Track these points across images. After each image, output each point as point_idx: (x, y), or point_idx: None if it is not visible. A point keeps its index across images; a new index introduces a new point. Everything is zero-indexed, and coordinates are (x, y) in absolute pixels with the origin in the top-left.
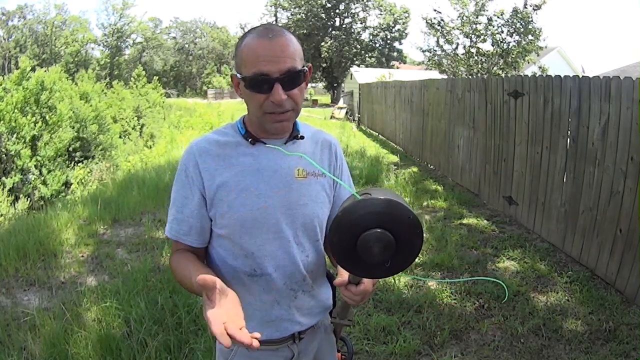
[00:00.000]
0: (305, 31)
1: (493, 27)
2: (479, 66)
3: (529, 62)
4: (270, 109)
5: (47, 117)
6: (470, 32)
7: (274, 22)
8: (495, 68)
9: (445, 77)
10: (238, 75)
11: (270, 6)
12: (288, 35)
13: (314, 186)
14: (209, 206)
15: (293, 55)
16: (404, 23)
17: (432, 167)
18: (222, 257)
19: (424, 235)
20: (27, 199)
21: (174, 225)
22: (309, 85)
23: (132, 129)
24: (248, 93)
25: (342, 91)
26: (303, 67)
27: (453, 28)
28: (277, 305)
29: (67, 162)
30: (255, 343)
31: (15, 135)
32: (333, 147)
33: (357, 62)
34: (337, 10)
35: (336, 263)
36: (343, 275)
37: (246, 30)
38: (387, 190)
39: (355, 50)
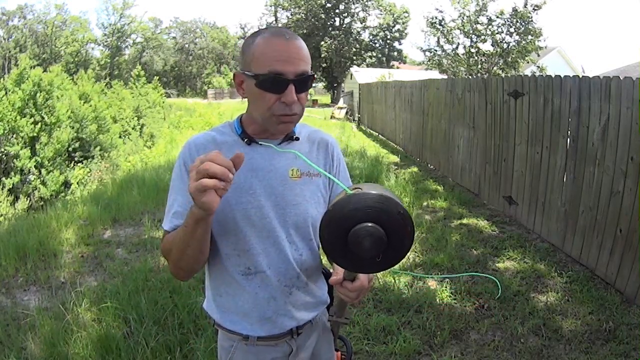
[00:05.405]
0: (305, 31)
1: (493, 27)
2: (479, 66)
3: (528, 62)
4: (280, 110)
5: (46, 118)
6: (471, 32)
7: (274, 22)
8: (495, 68)
9: (446, 77)
10: (247, 73)
11: (270, 6)
12: (301, 39)
13: (308, 186)
14: None
15: (306, 59)
16: (403, 23)
17: (432, 167)
18: (219, 256)
19: (425, 235)
20: (26, 199)
21: (172, 218)
22: None
23: (132, 129)
24: (257, 92)
25: (342, 91)
26: (312, 73)
27: (454, 28)
28: (273, 301)
29: (66, 162)
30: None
31: (14, 136)
32: (330, 147)
33: (357, 62)
34: (337, 10)
35: (327, 257)
36: (338, 273)
37: (246, 30)
38: (377, 185)
39: (355, 50)
